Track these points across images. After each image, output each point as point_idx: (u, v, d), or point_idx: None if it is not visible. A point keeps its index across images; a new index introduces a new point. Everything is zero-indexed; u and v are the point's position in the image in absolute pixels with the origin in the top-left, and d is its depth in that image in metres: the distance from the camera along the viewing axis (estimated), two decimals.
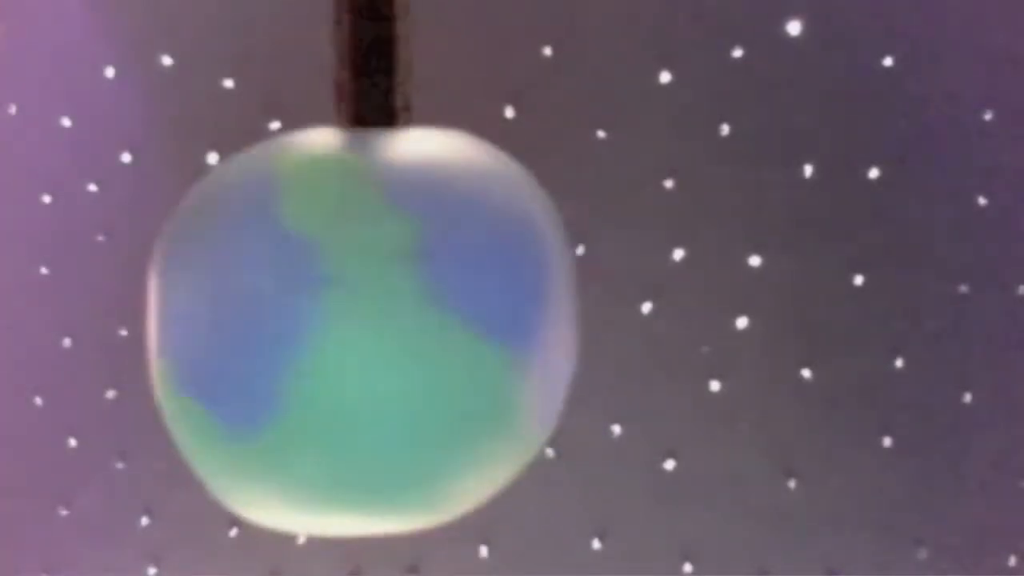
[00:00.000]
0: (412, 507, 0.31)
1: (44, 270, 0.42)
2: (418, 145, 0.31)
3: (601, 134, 0.39)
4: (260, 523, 0.32)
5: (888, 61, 0.39)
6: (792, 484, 0.40)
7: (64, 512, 0.43)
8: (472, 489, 0.31)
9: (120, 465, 0.42)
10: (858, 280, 0.40)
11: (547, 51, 0.39)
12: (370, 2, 0.31)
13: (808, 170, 0.39)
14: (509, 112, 0.39)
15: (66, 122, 0.42)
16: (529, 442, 0.32)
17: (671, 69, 0.39)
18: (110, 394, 0.42)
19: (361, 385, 0.29)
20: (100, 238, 0.42)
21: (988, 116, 0.40)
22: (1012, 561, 0.41)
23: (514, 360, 0.30)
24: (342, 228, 0.29)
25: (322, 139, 0.31)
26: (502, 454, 0.31)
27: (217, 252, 0.30)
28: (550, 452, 0.40)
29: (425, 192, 0.30)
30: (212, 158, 0.41)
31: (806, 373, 0.40)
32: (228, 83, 0.40)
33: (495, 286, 0.30)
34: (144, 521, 0.42)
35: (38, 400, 0.43)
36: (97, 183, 0.42)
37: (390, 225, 0.30)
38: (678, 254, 0.40)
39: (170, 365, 0.31)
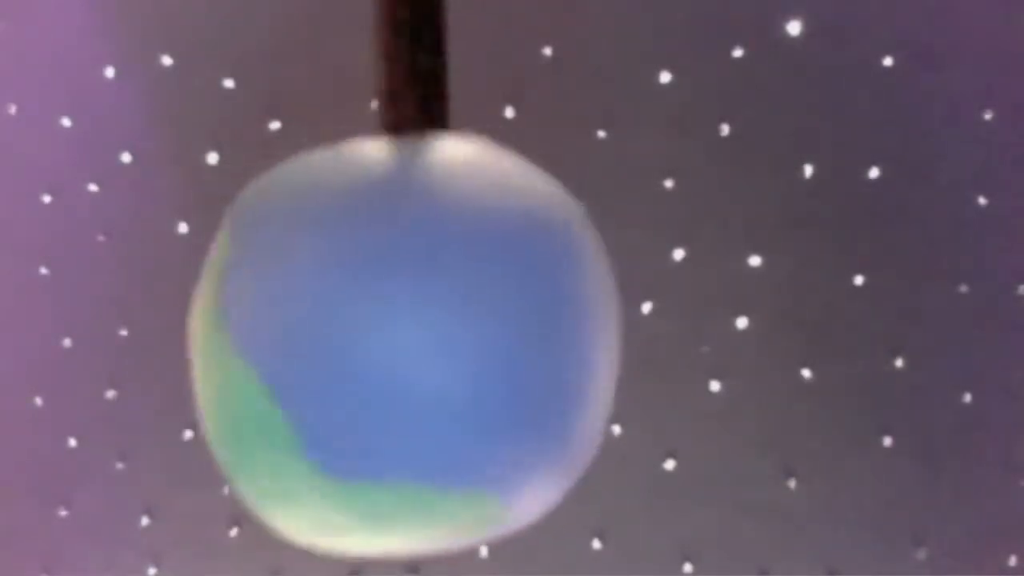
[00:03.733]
0: None
1: (44, 270, 0.42)
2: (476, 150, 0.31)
3: (601, 134, 0.39)
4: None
5: (888, 61, 0.39)
6: (792, 484, 0.40)
7: (64, 512, 0.43)
8: None
9: (120, 465, 0.42)
10: (858, 280, 0.40)
11: (547, 51, 0.39)
12: (422, 33, 0.31)
13: (808, 170, 0.39)
14: (509, 112, 0.39)
15: (66, 122, 0.42)
16: None
17: (671, 69, 0.39)
18: (110, 394, 0.42)
19: None
20: (100, 238, 0.42)
21: (988, 116, 0.40)
22: (1012, 561, 0.41)
23: None
24: None
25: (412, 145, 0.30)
26: None
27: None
28: None
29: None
30: (212, 158, 0.41)
31: (806, 373, 0.40)
32: (228, 83, 0.41)
33: None
34: (144, 521, 0.42)
35: (38, 400, 0.43)
36: (97, 183, 0.42)
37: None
38: (678, 254, 0.40)
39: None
